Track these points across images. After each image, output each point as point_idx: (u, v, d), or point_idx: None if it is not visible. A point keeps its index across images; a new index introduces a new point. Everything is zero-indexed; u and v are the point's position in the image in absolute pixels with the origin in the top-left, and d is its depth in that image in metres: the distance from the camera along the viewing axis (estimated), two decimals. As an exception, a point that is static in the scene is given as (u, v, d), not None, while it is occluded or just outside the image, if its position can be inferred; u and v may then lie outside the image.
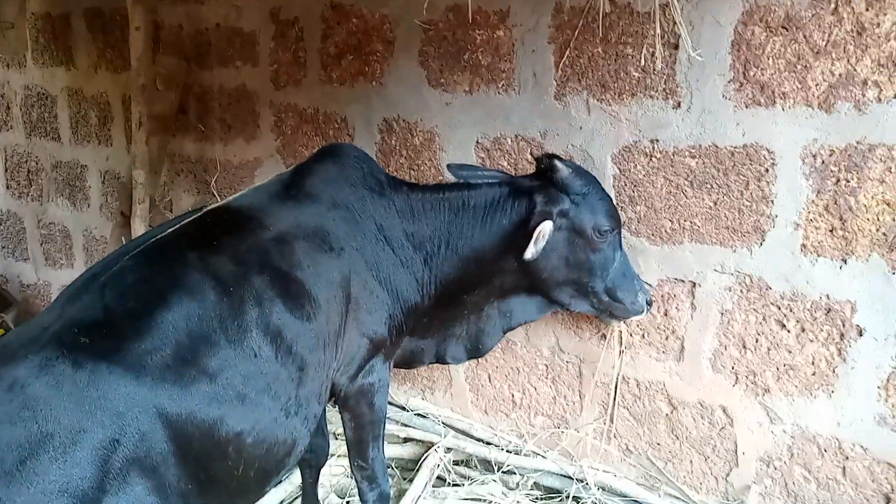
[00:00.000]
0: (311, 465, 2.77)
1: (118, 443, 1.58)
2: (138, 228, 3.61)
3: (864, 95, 2.16)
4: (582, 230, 2.37)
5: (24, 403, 1.52)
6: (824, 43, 2.19)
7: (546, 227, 2.31)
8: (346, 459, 3.11)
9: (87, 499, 1.53)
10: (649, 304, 2.53)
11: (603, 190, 2.47)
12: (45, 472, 1.49)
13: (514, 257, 2.42)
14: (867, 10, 2.12)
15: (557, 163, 2.36)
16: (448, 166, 2.59)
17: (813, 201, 2.30)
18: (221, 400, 1.77)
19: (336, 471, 3.18)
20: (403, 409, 3.43)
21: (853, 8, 2.13)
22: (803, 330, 2.41)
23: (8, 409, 1.51)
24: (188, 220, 2.09)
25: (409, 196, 2.47)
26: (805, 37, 2.21)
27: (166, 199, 4.15)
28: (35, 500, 1.47)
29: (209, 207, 2.19)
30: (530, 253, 2.31)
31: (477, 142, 2.98)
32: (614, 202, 2.54)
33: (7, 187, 5.35)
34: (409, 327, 2.55)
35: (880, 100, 2.14)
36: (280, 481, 2.98)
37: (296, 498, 3.04)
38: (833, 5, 2.16)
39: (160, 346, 1.71)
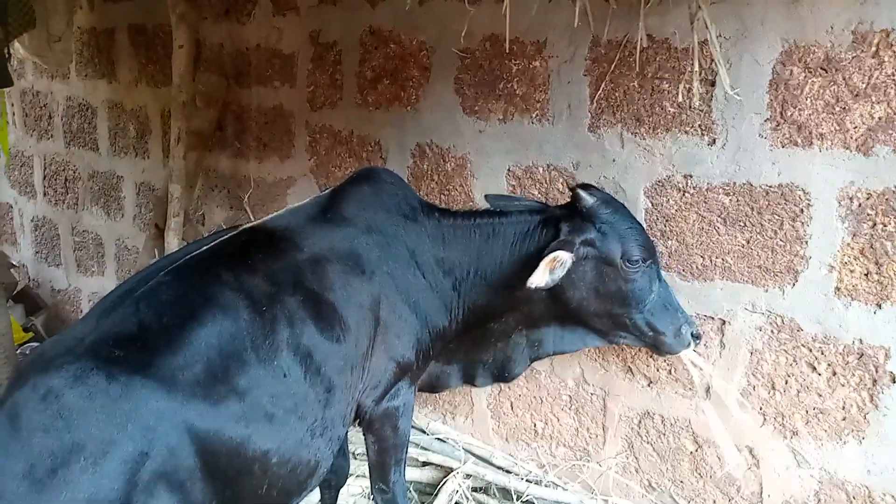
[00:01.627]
0: (332, 485, 2.77)
1: (147, 456, 1.60)
2: (172, 241, 3.67)
3: (903, 140, 2.14)
4: (611, 259, 2.32)
5: (57, 413, 1.55)
6: (864, 85, 2.18)
7: (562, 257, 2.24)
8: (365, 480, 3.11)
9: None
10: (696, 337, 2.46)
11: (633, 218, 2.42)
12: (76, 481, 1.51)
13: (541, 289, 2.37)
14: (909, 54, 2.11)
15: (580, 192, 2.33)
16: (486, 196, 2.61)
17: (848, 244, 2.27)
18: (250, 419, 1.78)
19: (354, 490, 3.17)
20: (424, 432, 3.42)
21: (894, 51, 2.12)
22: (835, 374, 2.38)
23: (42, 417, 1.54)
24: (224, 237, 2.13)
25: (440, 221, 2.48)
26: (844, 79, 2.21)
27: (199, 213, 4.22)
28: None
29: (245, 226, 2.22)
30: (536, 280, 2.22)
31: (508, 170, 3.00)
32: (646, 232, 2.50)
33: (44, 194, 5.47)
34: (437, 351, 2.56)
35: (920, 145, 2.12)
36: (300, 501, 2.98)
37: (313, 518, 3.04)
38: (874, 48, 2.15)
39: (192, 362, 1.73)
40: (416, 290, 2.40)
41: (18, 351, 4.03)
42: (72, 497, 1.52)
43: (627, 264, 2.32)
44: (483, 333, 2.64)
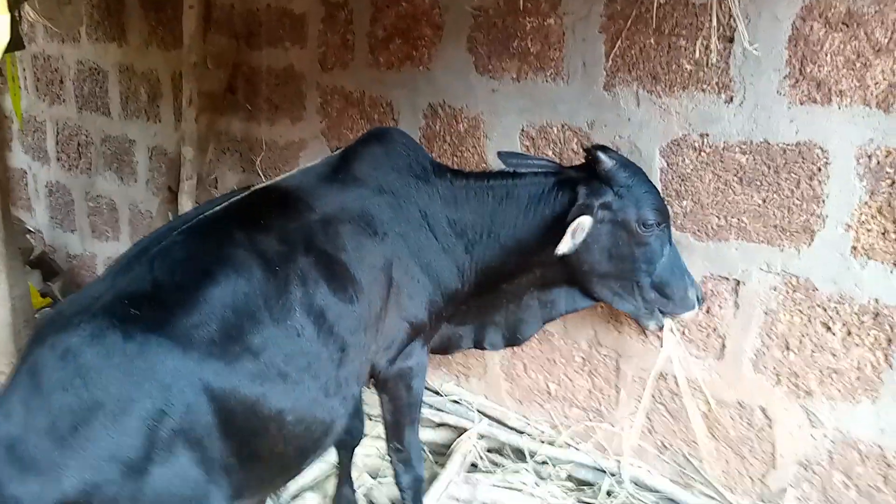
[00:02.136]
0: (347, 445, 2.81)
1: (165, 414, 1.61)
2: (185, 204, 3.68)
3: (926, 96, 2.09)
4: (626, 223, 2.32)
5: (76, 371, 1.57)
6: (886, 41, 2.13)
7: (585, 222, 2.24)
8: (380, 441, 3.16)
9: (135, 467, 1.57)
10: (701, 300, 2.46)
11: (649, 182, 2.40)
12: (96, 438, 1.53)
13: (554, 248, 2.34)
14: (934, 7, 2.05)
15: (601, 154, 2.30)
16: (498, 153, 2.57)
17: (866, 203, 2.24)
18: (264, 377, 1.80)
19: (369, 451, 3.22)
20: (438, 393, 3.45)
21: (919, 5, 2.07)
22: (849, 333, 2.37)
23: (61, 375, 1.56)
24: (236, 198, 2.13)
25: (452, 183, 2.46)
26: (866, 34, 2.15)
27: (212, 176, 4.22)
28: (87, 464, 1.52)
29: (257, 187, 2.22)
30: (564, 248, 2.24)
31: (522, 130, 2.97)
32: (661, 195, 2.47)
33: (57, 159, 5.48)
34: (449, 313, 2.56)
35: (943, 101, 2.08)
36: (316, 459, 3.03)
37: (329, 476, 3.09)
38: (898, 1, 2.09)
39: (207, 321, 1.74)
40: (428, 252, 2.40)
41: (37, 315, 4.08)
42: (94, 454, 1.54)
43: (642, 228, 2.31)
44: (495, 295, 2.64)
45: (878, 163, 2.19)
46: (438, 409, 3.37)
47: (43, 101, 5.45)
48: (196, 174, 3.72)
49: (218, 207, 2.05)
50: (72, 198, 5.44)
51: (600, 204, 2.30)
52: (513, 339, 2.76)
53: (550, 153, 2.90)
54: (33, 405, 1.56)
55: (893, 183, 2.18)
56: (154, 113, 4.56)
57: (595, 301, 2.60)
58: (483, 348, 2.81)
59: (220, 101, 3.99)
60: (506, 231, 2.43)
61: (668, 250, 2.40)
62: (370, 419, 3.27)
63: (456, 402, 3.40)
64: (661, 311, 2.47)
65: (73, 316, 1.66)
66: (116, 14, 4.65)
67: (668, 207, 2.59)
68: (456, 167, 3.13)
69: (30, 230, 5.85)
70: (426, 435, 3.25)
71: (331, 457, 3.05)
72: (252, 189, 2.19)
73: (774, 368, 2.54)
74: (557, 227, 2.31)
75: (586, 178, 2.36)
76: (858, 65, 2.18)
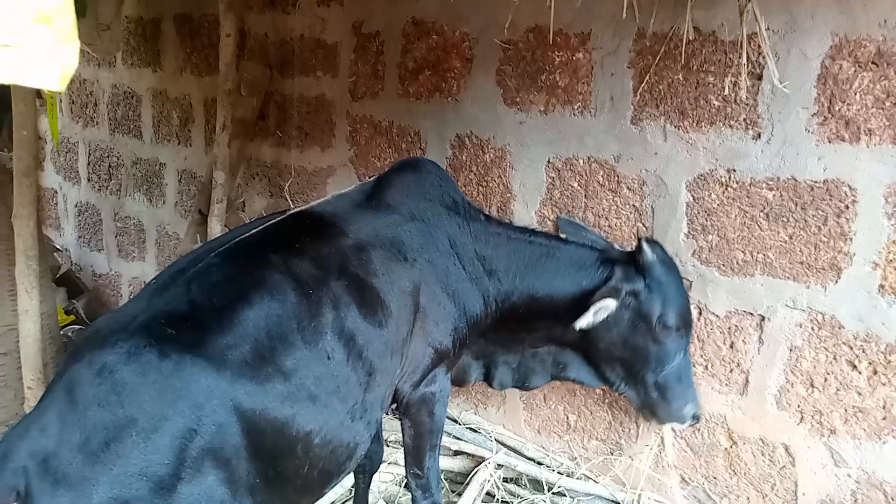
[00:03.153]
0: (366, 470, 2.81)
1: (196, 433, 1.64)
2: (215, 227, 3.74)
3: (954, 136, 2.11)
4: (647, 316, 2.41)
5: (111, 388, 1.59)
6: (916, 81, 2.15)
7: (609, 304, 2.36)
8: (397, 467, 3.16)
9: (163, 484, 1.59)
10: (696, 418, 2.51)
11: (682, 288, 2.48)
12: (128, 455, 1.56)
13: (573, 312, 2.45)
14: (963, 49, 2.07)
15: (645, 244, 2.40)
16: (558, 217, 2.74)
17: (894, 241, 2.24)
18: (294, 399, 1.82)
19: (386, 478, 3.21)
20: (456, 421, 3.45)
21: (948, 47, 2.09)
22: (875, 372, 2.35)
23: (97, 392, 1.59)
24: (271, 222, 2.17)
25: (487, 226, 2.56)
26: (896, 74, 2.18)
27: (240, 200, 4.29)
28: (117, 481, 1.54)
29: (292, 211, 2.26)
30: (583, 322, 2.36)
31: (548, 161, 3.00)
32: (689, 303, 2.53)
33: (88, 180, 5.59)
34: (472, 342, 2.59)
35: (972, 142, 2.09)
36: (337, 483, 3.04)
37: (346, 501, 3.08)
38: (927, 43, 2.12)
39: (240, 342, 1.77)
40: (456, 280, 2.44)
41: (61, 332, 4.14)
42: (124, 470, 1.56)
43: (661, 326, 2.40)
44: (513, 338, 2.71)
45: (907, 202, 2.20)
46: (457, 438, 3.36)
47: (77, 123, 5.58)
48: (226, 198, 3.79)
49: (254, 231, 2.10)
50: (100, 218, 5.54)
51: (630, 290, 2.40)
52: (521, 384, 2.84)
53: (576, 185, 2.93)
54: (68, 420, 1.59)
55: (922, 222, 2.18)
56: (185, 137, 4.66)
57: (601, 382, 2.70)
58: (491, 385, 2.86)
59: (251, 127, 4.07)
60: (539, 283, 2.52)
61: (681, 357, 2.47)
62: (388, 445, 3.27)
63: (474, 430, 3.40)
64: (654, 413, 2.55)
65: (111, 334, 1.69)
66: (152, 40, 4.78)
67: (694, 241, 2.61)
68: (481, 197, 3.19)
69: (57, 248, 5.95)
70: (443, 463, 3.25)
71: (347, 482, 3.05)
72: (287, 213, 2.24)
73: (798, 406, 2.52)
74: (587, 298, 2.42)
75: (626, 262, 2.46)
76: (888, 104, 2.20)
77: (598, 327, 2.42)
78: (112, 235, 5.45)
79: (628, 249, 2.59)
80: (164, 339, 1.69)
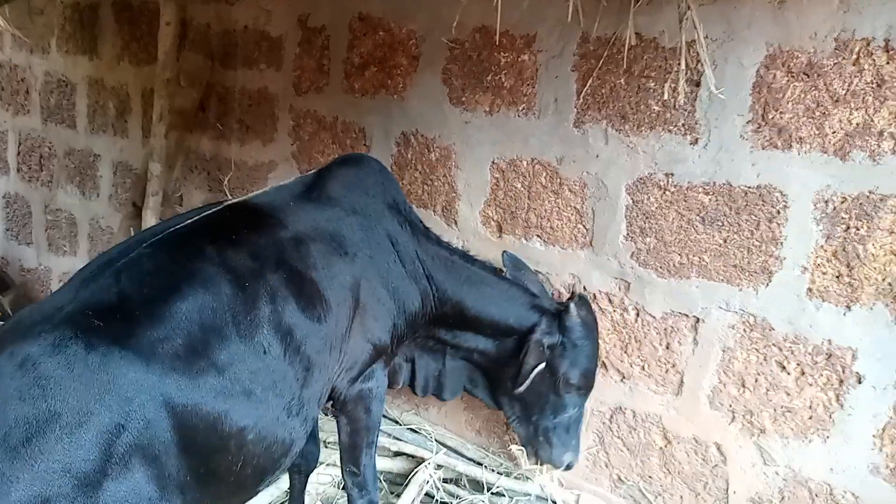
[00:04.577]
0: (301, 470, 2.76)
1: (123, 428, 1.58)
2: (150, 220, 3.63)
3: (879, 146, 2.19)
4: (555, 370, 2.56)
5: (34, 381, 1.52)
6: (844, 92, 2.23)
7: (541, 368, 2.53)
8: (335, 468, 3.11)
9: (88, 481, 1.52)
10: (569, 466, 2.67)
11: (595, 353, 2.62)
12: (50, 451, 1.49)
13: (495, 346, 2.65)
14: (888, 63, 2.16)
15: (572, 307, 2.54)
16: (504, 253, 2.81)
17: (822, 246, 2.32)
18: (228, 394, 1.77)
19: (323, 479, 3.16)
20: (397, 422, 3.43)
21: (874, 60, 2.18)
22: (803, 373, 2.43)
23: (18, 384, 1.52)
24: (207, 212, 2.11)
25: (427, 237, 2.60)
26: (825, 84, 2.26)
27: (178, 193, 4.18)
28: (38, 477, 1.47)
29: (229, 202, 2.21)
30: (521, 388, 2.53)
31: (493, 162, 3.01)
32: (596, 371, 2.67)
33: (18, 170, 5.37)
34: (408, 339, 2.59)
35: (895, 151, 2.17)
36: (271, 482, 2.98)
37: (283, 502, 3.02)
38: (855, 56, 2.20)
39: (172, 335, 1.71)
40: (396, 276, 2.43)
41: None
42: (46, 467, 1.49)
43: (565, 383, 2.56)
44: (441, 347, 2.77)
45: (835, 208, 2.28)
46: (396, 439, 3.34)
47: (6, 111, 5.34)
48: (162, 191, 3.68)
49: (188, 221, 2.04)
50: (30, 210, 5.32)
51: (549, 344, 2.54)
52: (438, 393, 2.91)
53: (519, 185, 2.95)
54: None
55: (848, 228, 2.27)
56: (122, 128, 4.51)
57: (499, 408, 2.83)
58: (414, 390, 2.91)
59: (190, 118, 3.97)
60: (471, 302, 2.60)
61: (576, 412, 2.64)
62: (326, 446, 3.22)
63: (415, 431, 3.38)
64: (536, 453, 2.70)
65: (35, 325, 1.62)
66: (89, 27, 4.61)
67: (633, 244, 2.66)
68: (426, 196, 3.18)
69: (-18, 241, 5.70)
70: (383, 464, 3.22)
71: (283, 483, 2.99)
72: (224, 204, 2.19)
73: (730, 405, 2.58)
74: (513, 334, 2.59)
75: (552, 315, 2.59)
76: (818, 113, 2.27)
77: (510, 366, 2.58)
78: (42, 229, 5.24)
79: (560, 301, 2.72)
80: (91, 331, 1.62)
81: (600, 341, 2.77)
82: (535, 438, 2.67)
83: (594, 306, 2.80)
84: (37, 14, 4.01)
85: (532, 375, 2.51)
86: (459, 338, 2.68)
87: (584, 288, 2.84)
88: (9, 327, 1.69)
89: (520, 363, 2.52)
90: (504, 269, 2.76)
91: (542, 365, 2.52)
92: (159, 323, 1.72)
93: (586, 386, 2.61)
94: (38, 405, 1.51)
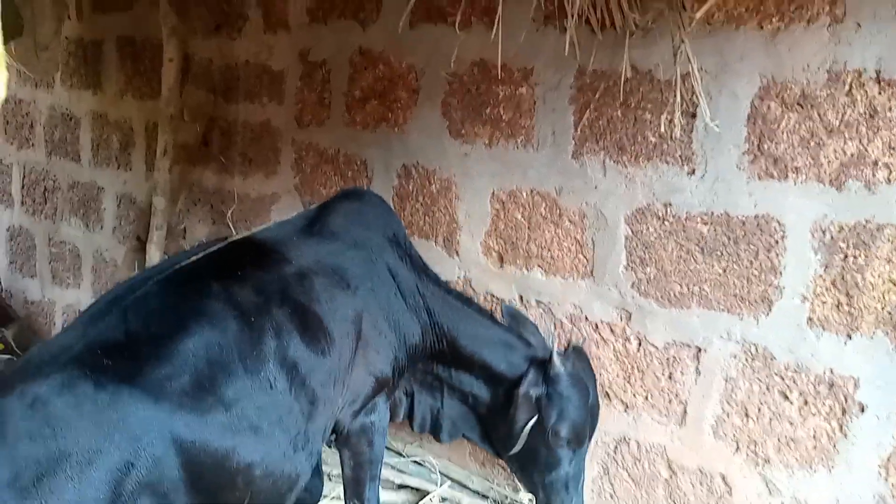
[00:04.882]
0: (305, 503, 2.76)
1: (132, 466, 1.59)
2: (154, 254, 3.66)
3: (874, 175, 2.22)
4: (543, 423, 2.45)
5: (44, 421, 1.54)
6: (838, 122, 2.26)
7: (532, 422, 2.45)
8: (339, 502, 3.10)
9: None
10: None
11: (585, 404, 2.50)
12: (61, 490, 1.50)
13: (489, 392, 2.59)
14: (880, 93, 2.19)
15: (555, 357, 2.44)
16: (503, 305, 2.79)
17: (821, 275, 2.34)
18: (235, 430, 1.79)
19: (328, 512, 3.15)
20: (400, 454, 3.42)
21: (866, 91, 2.21)
22: (806, 403, 2.43)
23: (28, 425, 1.54)
24: (213, 249, 2.14)
25: (427, 274, 2.59)
26: (819, 115, 2.29)
27: (181, 226, 4.21)
28: None
29: (233, 238, 2.24)
30: (515, 450, 2.49)
31: (493, 193, 3.04)
32: (591, 425, 2.56)
33: (22, 203, 5.41)
34: (409, 373, 2.60)
35: (889, 181, 2.20)
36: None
37: (286, 536, 3.01)
38: (847, 87, 2.23)
39: (180, 372, 1.73)
40: (396, 309, 2.46)
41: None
42: None
43: (553, 435, 2.44)
44: (438, 385, 2.72)
45: (832, 237, 2.30)
46: (400, 471, 3.33)
47: (11, 145, 5.40)
48: (166, 224, 3.71)
49: (194, 258, 2.06)
50: (34, 243, 5.35)
51: (536, 397, 2.45)
52: (433, 432, 2.83)
53: (519, 216, 2.97)
54: None
55: (846, 257, 2.28)
56: (125, 161, 4.56)
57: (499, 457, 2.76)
58: (412, 426, 2.84)
59: (194, 152, 4.02)
60: (467, 342, 2.56)
61: (571, 467, 2.50)
62: (329, 479, 3.22)
63: (419, 463, 3.37)
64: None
65: (44, 364, 1.64)
66: (93, 62, 4.68)
67: (633, 274, 2.68)
68: (427, 226, 3.21)
69: (-15, 275, 5.72)
70: (387, 497, 3.20)
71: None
72: (229, 240, 2.21)
73: (734, 435, 2.58)
74: (505, 382, 2.54)
75: (543, 364, 2.49)
76: (812, 144, 2.30)
77: (503, 417, 2.51)
78: (46, 261, 5.27)
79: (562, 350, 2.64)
80: (99, 370, 1.64)
81: (603, 371, 2.78)
82: (536, 493, 2.58)
83: (596, 336, 2.82)
84: (42, 50, 4.05)
85: (525, 433, 2.43)
86: (455, 378, 2.64)
87: (586, 318, 2.85)
88: (18, 367, 1.71)
89: (510, 419, 2.45)
90: (504, 320, 2.72)
91: (534, 419, 2.43)
92: (167, 360, 1.74)
93: (577, 440, 2.48)
94: (49, 445, 1.53)
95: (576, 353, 2.55)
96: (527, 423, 2.43)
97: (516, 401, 2.44)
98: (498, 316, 2.75)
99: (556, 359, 2.43)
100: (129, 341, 1.74)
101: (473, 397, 2.64)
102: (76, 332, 1.77)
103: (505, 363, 2.54)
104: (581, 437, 2.49)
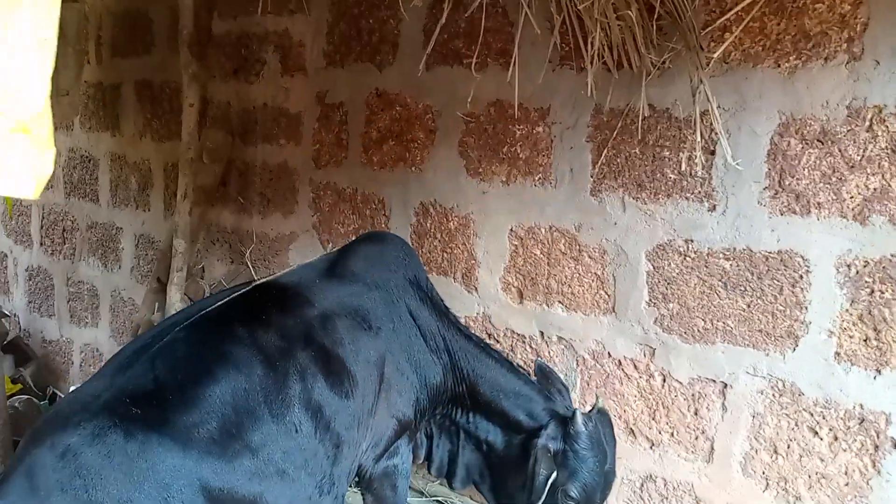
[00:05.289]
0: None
1: None
2: (174, 295, 3.68)
3: (898, 210, 2.21)
4: (557, 481, 2.37)
5: (76, 472, 1.55)
6: (859, 158, 2.26)
7: (552, 476, 2.36)
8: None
9: None
10: None
11: (601, 471, 2.41)
12: None
13: (504, 441, 2.53)
14: (901, 128, 2.20)
15: (578, 414, 2.37)
16: (536, 361, 2.72)
17: (847, 310, 2.32)
18: (262, 475, 1.79)
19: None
20: (422, 493, 3.39)
21: (887, 126, 2.21)
22: (836, 438, 2.40)
23: (60, 476, 1.54)
24: (237, 293, 2.15)
25: (448, 317, 2.57)
26: (840, 151, 2.29)
27: (199, 266, 4.24)
28: None
29: (258, 282, 2.25)
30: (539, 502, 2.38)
31: (511, 230, 3.05)
32: (603, 492, 2.46)
33: (41, 244, 5.47)
34: (431, 414, 2.57)
35: (915, 215, 2.19)
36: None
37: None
38: (868, 123, 2.24)
39: (207, 419, 1.74)
40: (418, 350, 2.45)
41: (8, 402, 3.97)
42: None
43: (563, 494, 2.37)
44: (455, 430, 2.66)
45: (857, 272, 2.29)
46: (422, 511, 3.30)
47: (30, 187, 5.47)
48: (186, 266, 3.74)
49: (219, 303, 2.08)
50: (52, 282, 5.40)
51: (554, 451, 2.38)
52: (448, 477, 2.75)
53: (538, 252, 2.98)
54: None
55: (873, 292, 2.27)
56: (143, 202, 4.61)
57: None
58: (429, 469, 2.78)
59: (212, 193, 4.06)
60: (486, 388, 2.51)
61: None
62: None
63: (440, 502, 3.34)
64: None
65: (73, 415, 1.65)
66: (112, 105, 4.77)
67: (655, 309, 2.66)
68: (446, 263, 3.22)
69: (5, 314, 5.76)
70: (410, 536, 3.18)
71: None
72: (253, 284, 2.23)
73: (763, 472, 2.55)
74: (521, 431, 2.48)
75: (563, 422, 2.42)
76: (834, 179, 2.30)
77: (514, 469, 2.44)
78: (64, 300, 5.31)
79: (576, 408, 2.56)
80: (128, 419, 1.65)
81: (627, 408, 2.76)
82: None
83: (619, 372, 2.80)
84: (63, 95, 4.14)
85: (547, 486, 2.34)
86: (472, 423, 2.58)
87: (609, 354, 2.84)
88: (48, 417, 1.72)
89: (530, 472, 2.37)
90: (534, 376, 2.65)
91: (555, 474, 2.34)
92: (194, 407, 1.75)
93: (588, 502, 2.39)
94: (80, 496, 1.54)
95: (600, 415, 2.46)
96: (548, 478, 2.35)
97: (535, 454, 2.36)
98: (523, 366, 2.71)
99: (578, 417, 2.36)
100: (158, 389, 1.75)
101: (488, 445, 2.57)
102: (104, 381, 1.78)
103: (523, 413, 2.48)
104: (593, 500, 2.41)
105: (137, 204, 4.66)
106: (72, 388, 2.99)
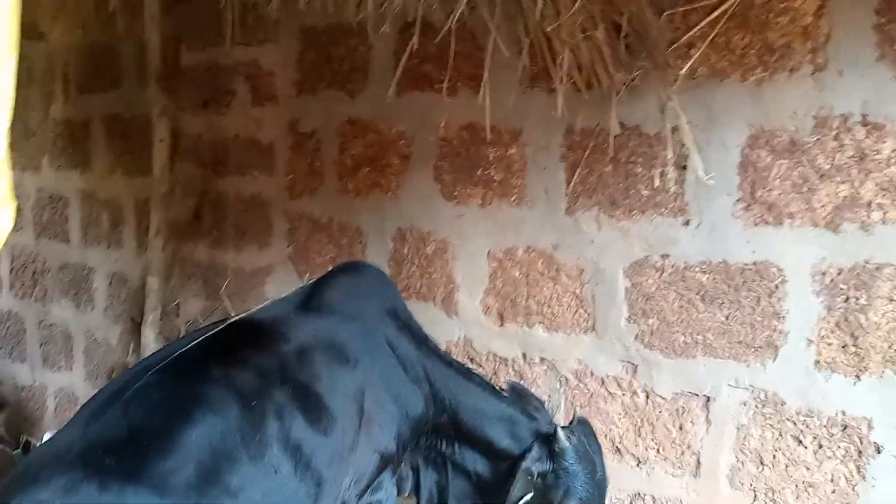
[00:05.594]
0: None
1: None
2: (149, 335, 3.61)
3: (869, 217, 2.24)
4: (549, 500, 2.34)
5: None
6: (828, 166, 2.29)
7: (526, 500, 2.32)
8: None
9: None
10: None
11: (593, 481, 2.37)
12: None
13: (491, 470, 2.48)
14: (867, 137, 2.23)
15: (559, 431, 2.35)
16: (508, 381, 2.67)
17: (824, 318, 2.33)
18: None
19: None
20: (410, 523, 3.33)
21: (853, 135, 2.24)
22: (821, 446, 2.40)
23: None
24: (211, 333, 2.11)
25: (428, 345, 2.52)
26: (809, 160, 2.32)
27: (174, 303, 4.17)
28: None
29: (232, 320, 2.21)
30: None
31: (489, 252, 3.04)
32: (598, 501, 2.43)
33: (11, 287, 5.36)
34: (414, 445, 2.53)
35: (885, 221, 2.22)
36: None
37: None
38: (835, 132, 2.27)
39: (183, 464, 1.68)
40: (397, 381, 2.39)
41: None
42: None
43: None
44: (442, 460, 2.61)
45: (832, 280, 2.30)
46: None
47: (-1, 229, 5.37)
48: (161, 305, 3.68)
49: (192, 343, 2.03)
50: (24, 327, 5.28)
51: (539, 472, 2.35)
52: None
53: (517, 273, 2.97)
54: None
55: (848, 299, 2.29)
56: (116, 239, 4.54)
57: None
58: (417, 502, 2.71)
59: (185, 228, 4.01)
60: (467, 415, 2.47)
61: None
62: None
63: (429, 531, 3.28)
64: None
65: (44, 468, 1.59)
66: (81, 142, 4.70)
67: (636, 325, 2.66)
68: (425, 288, 3.19)
69: (-24, 361, 5.63)
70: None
71: None
72: (227, 322, 2.19)
73: (751, 484, 2.54)
74: (508, 457, 2.42)
75: (547, 439, 2.39)
76: (805, 189, 2.33)
77: (502, 496, 2.38)
78: (37, 344, 5.19)
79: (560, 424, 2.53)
80: (102, 470, 1.59)
81: (612, 426, 2.74)
82: None
83: (603, 391, 2.79)
84: (31, 135, 4.08)
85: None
86: (458, 454, 2.54)
87: (591, 373, 2.83)
88: (19, 472, 1.66)
89: (509, 495, 2.32)
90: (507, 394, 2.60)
91: (530, 496, 2.30)
92: (170, 453, 1.70)
93: None
94: None
95: (581, 426, 2.44)
96: (520, 500, 2.30)
97: (517, 476, 2.32)
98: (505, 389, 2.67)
99: (560, 433, 2.32)
100: (132, 436, 1.70)
101: (477, 475, 2.52)
102: (77, 431, 1.72)
103: (508, 438, 2.44)
104: None
105: (109, 242, 4.58)
106: (45, 436, 2.92)
